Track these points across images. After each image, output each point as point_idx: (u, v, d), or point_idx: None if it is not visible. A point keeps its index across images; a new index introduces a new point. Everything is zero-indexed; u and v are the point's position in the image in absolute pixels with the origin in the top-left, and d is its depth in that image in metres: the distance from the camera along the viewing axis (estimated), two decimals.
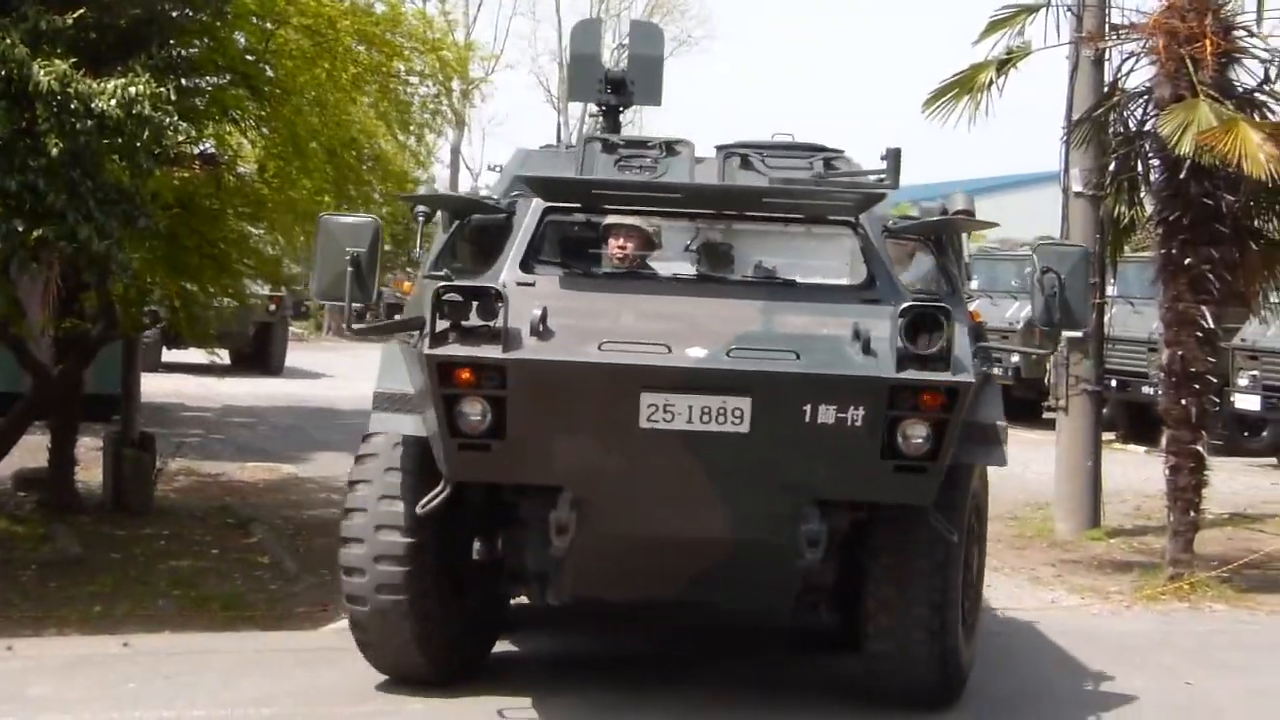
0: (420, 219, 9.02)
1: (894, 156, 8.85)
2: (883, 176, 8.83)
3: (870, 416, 7.49)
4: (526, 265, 7.90)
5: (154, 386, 21.09)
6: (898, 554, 8.25)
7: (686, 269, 8.28)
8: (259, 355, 28.68)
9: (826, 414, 7.50)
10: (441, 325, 7.27)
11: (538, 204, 8.15)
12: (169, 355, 26.78)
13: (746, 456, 7.61)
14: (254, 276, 15.28)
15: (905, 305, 7.58)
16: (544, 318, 7.36)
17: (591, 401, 7.47)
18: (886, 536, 8.25)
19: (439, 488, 7.80)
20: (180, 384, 25.48)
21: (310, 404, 24.78)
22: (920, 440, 7.60)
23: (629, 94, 10.58)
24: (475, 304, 7.29)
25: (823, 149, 9.13)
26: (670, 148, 8.87)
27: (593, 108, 11.06)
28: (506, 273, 7.78)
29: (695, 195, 8.31)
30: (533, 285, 7.70)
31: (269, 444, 19.79)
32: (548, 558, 8.08)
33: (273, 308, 27.67)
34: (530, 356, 7.31)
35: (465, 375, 7.37)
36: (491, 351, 7.27)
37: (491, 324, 7.28)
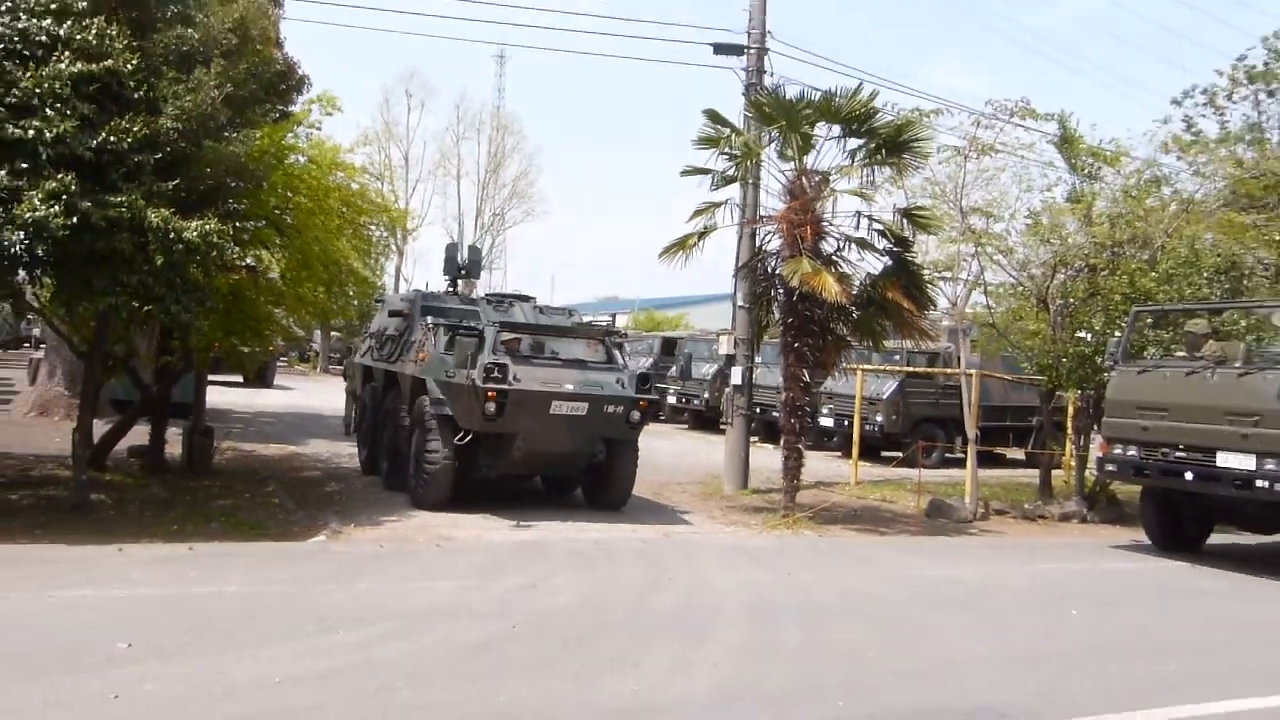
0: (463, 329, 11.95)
1: (611, 323, 13.21)
2: (608, 323, 13.26)
3: (625, 410, 11.45)
4: (496, 352, 11.22)
5: (213, 399, 20.37)
6: (619, 453, 12.11)
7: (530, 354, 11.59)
8: (260, 378, 29.21)
9: (611, 408, 11.34)
10: (484, 374, 10.72)
11: (493, 329, 11.49)
12: (211, 377, 25.99)
13: (583, 423, 11.27)
14: (275, 338, 14.82)
15: (638, 373, 11.86)
16: (516, 374, 10.89)
17: (535, 403, 10.93)
18: (614, 449, 12.06)
19: (464, 433, 11.17)
20: (233, 399, 24.75)
21: (307, 411, 24.10)
22: (638, 417, 11.58)
23: (468, 272, 15.01)
24: (497, 369, 10.78)
25: (527, 297, 13.80)
26: (514, 300, 13.20)
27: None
28: (492, 357, 11.04)
29: (560, 329, 12.00)
30: (505, 362, 10.93)
31: (282, 433, 19.21)
32: (496, 459, 11.45)
33: (269, 356, 27.23)
34: (518, 388, 10.85)
35: (493, 394, 10.73)
36: (505, 386, 10.75)
37: (501, 376, 10.75)
